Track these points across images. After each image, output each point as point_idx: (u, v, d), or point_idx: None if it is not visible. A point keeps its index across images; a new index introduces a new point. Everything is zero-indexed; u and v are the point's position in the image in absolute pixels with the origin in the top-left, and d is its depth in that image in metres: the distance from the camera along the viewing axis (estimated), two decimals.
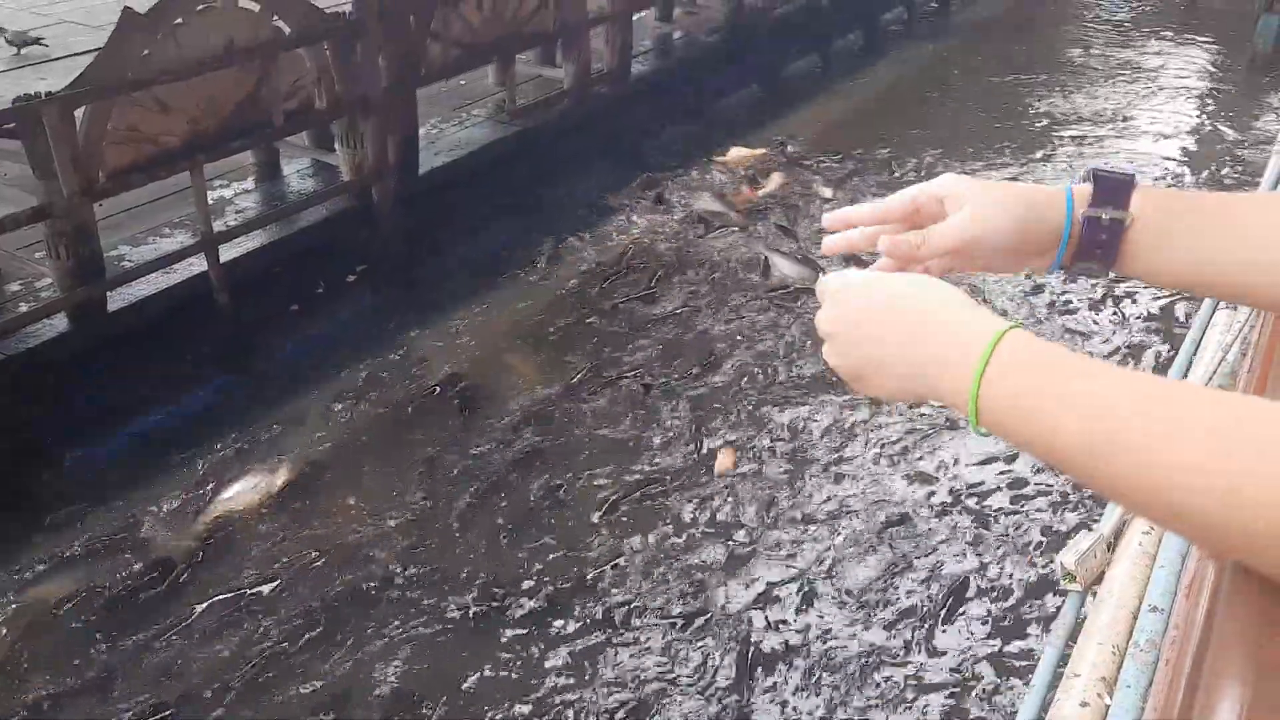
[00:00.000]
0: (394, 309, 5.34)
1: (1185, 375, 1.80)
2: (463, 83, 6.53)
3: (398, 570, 3.80)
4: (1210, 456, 0.54)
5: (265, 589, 3.71)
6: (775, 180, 6.66)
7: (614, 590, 3.72)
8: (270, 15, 4.67)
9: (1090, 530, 2.29)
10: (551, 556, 3.87)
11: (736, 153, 6.97)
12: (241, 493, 4.14)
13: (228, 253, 4.70)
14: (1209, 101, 8.72)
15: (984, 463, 4.30)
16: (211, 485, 4.19)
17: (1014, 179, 6.81)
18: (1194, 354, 1.82)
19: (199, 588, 3.74)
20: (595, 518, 4.03)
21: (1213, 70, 9.54)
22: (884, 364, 0.69)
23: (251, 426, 4.51)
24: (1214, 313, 1.97)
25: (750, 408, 4.62)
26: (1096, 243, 0.77)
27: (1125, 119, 8.20)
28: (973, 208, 0.78)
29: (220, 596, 3.69)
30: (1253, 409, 0.56)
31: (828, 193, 6.56)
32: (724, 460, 4.33)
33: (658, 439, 4.44)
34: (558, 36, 6.40)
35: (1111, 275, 0.80)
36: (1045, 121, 8.13)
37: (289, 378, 4.83)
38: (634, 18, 7.07)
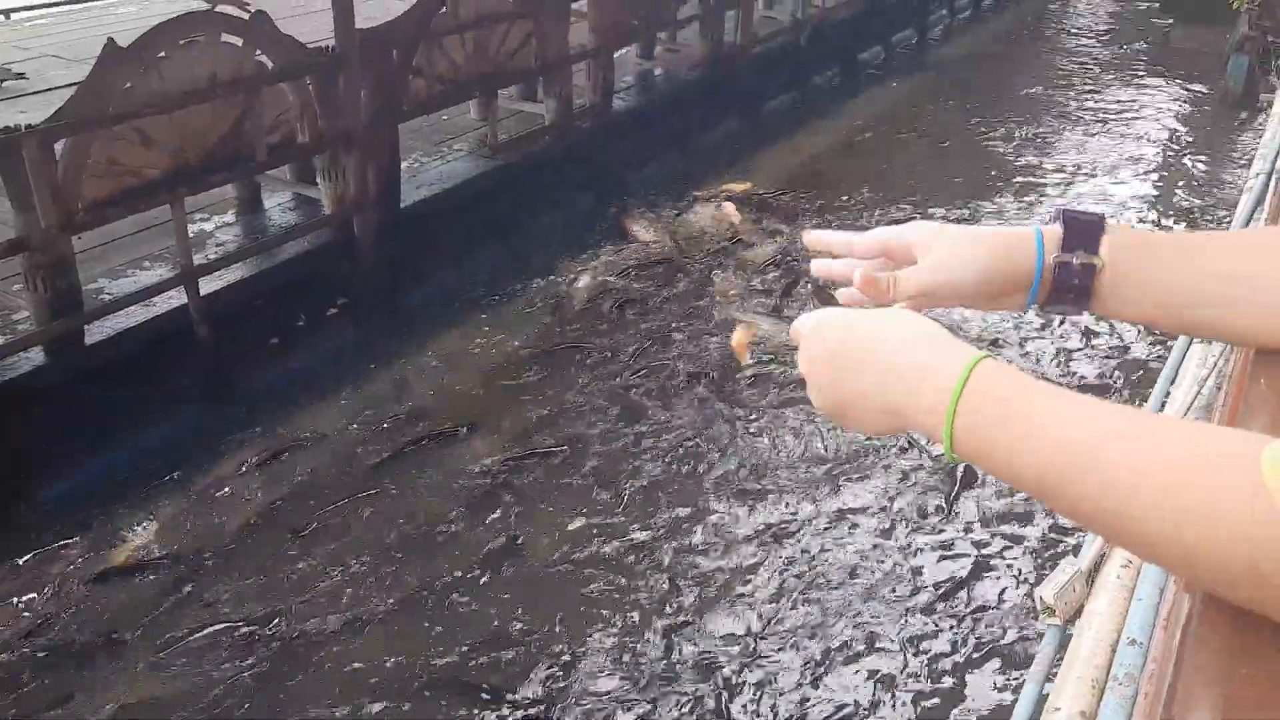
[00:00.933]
0: (375, 342, 5.33)
1: (1162, 406, 1.82)
2: (445, 117, 6.57)
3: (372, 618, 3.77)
4: (1177, 487, 0.55)
5: (243, 627, 3.67)
6: (732, 215, 6.63)
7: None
8: (253, 50, 4.69)
9: (1069, 563, 2.31)
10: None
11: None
12: (220, 526, 4.10)
13: (208, 286, 4.68)
14: (1183, 140, 8.87)
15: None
16: (188, 519, 4.15)
17: (991, 215, 6.96)
18: (1170, 385, 1.85)
19: (170, 622, 3.69)
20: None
21: (1186, 109, 9.70)
22: (862, 400, 0.70)
23: (229, 461, 4.48)
24: (1189, 345, 1.99)
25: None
26: (1069, 286, 0.78)
27: (1100, 157, 8.32)
28: (939, 255, 0.80)
29: (189, 635, 3.65)
30: (1218, 440, 0.57)
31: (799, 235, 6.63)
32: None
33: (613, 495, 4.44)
34: (540, 73, 6.46)
35: (1087, 314, 0.81)
36: (1019, 159, 8.24)
37: (268, 411, 4.80)
38: (615, 54, 7.14)
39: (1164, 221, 7.15)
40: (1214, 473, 0.55)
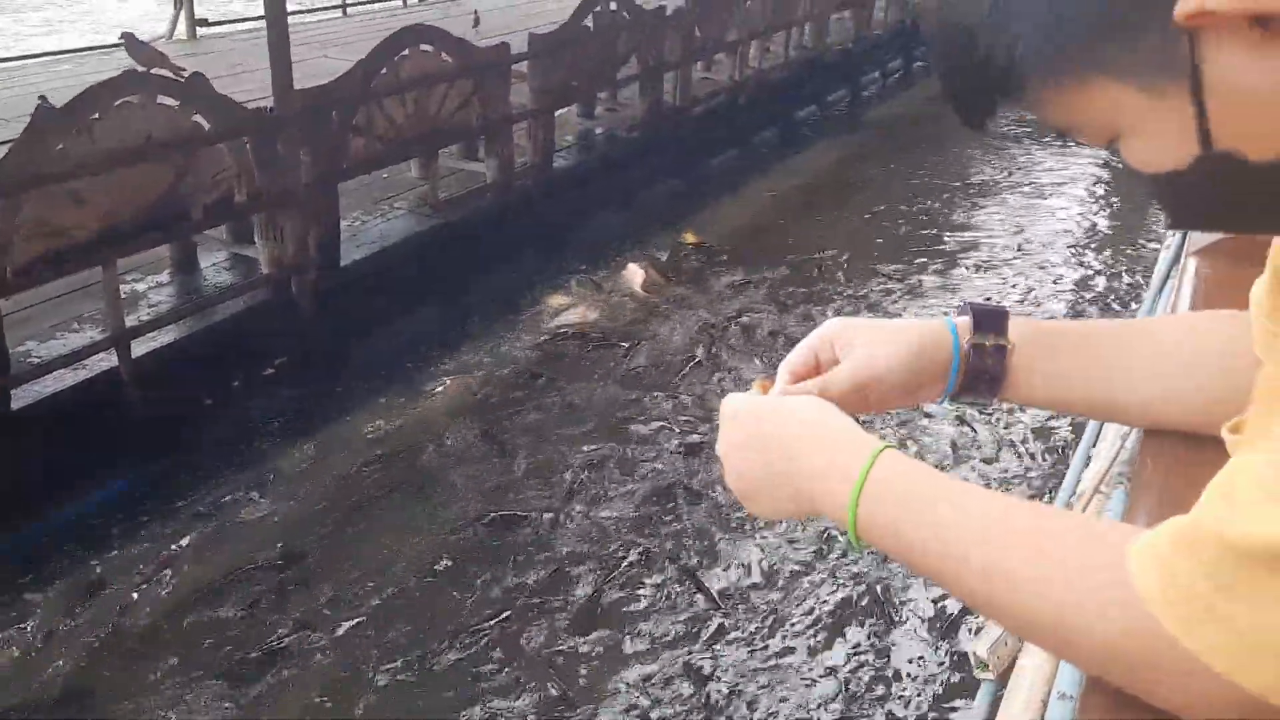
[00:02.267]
0: (311, 402, 5.27)
1: (1077, 482, 1.85)
2: (385, 176, 6.58)
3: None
4: (1052, 580, 0.58)
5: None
6: (637, 277, 6.66)
7: None
8: (190, 111, 4.67)
9: None
10: None
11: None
12: (148, 597, 3.99)
13: (140, 347, 4.61)
14: (1104, 204, 9.17)
15: None
16: (113, 589, 4.03)
17: (925, 273, 7.11)
18: (1084, 465, 1.89)
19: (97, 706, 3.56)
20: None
21: (1106, 175, 10.04)
22: (771, 483, 0.74)
23: (157, 527, 4.37)
24: (1101, 426, 2.05)
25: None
26: (983, 369, 0.82)
27: (1024, 221, 8.56)
28: (863, 349, 0.82)
29: None
30: (1090, 533, 0.61)
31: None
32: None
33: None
34: (481, 132, 6.51)
35: (997, 403, 0.85)
36: (951, 217, 8.46)
37: (198, 476, 4.70)
38: (556, 114, 7.23)
39: (1095, 280, 7.36)
40: (1085, 567, 0.58)
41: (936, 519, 0.64)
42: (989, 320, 0.82)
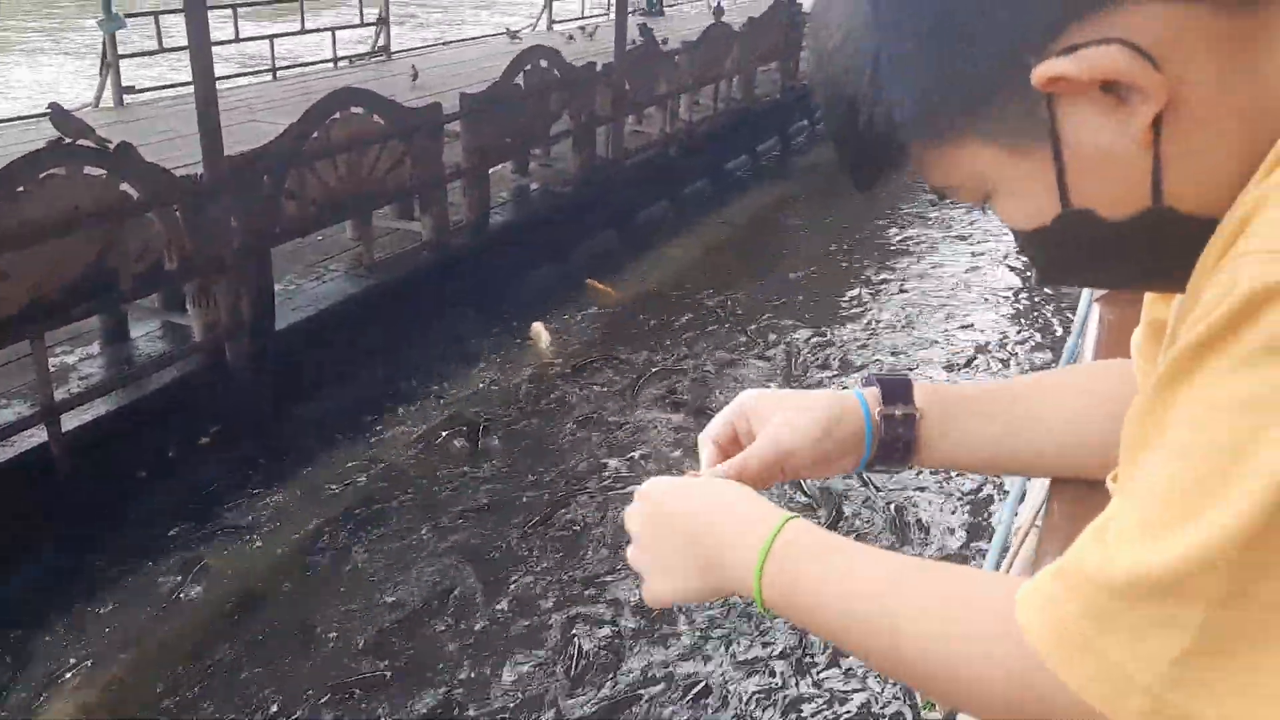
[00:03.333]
0: (248, 470, 5.19)
1: (1008, 534, 1.90)
2: (320, 238, 6.55)
3: None
4: (945, 634, 0.61)
5: None
6: (544, 338, 6.69)
7: None
8: (118, 181, 4.63)
9: None
10: None
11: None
12: (69, 686, 3.86)
13: (71, 421, 4.51)
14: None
15: None
16: (40, 675, 3.90)
17: (854, 322, 7.24)
18: (1014, 516, 1.93)
19: None
20: None
21: None
22: (680, 556, 0.75)
23: (86, 609, 4.25)
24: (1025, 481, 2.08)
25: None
26: (895, 438, 0.85)
27: (955, 255, 8.78)
28: (777, 423, 0.84)
29: None
30: (981, 584, 0.64)
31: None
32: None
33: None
34: (415, 191, 6.53)
35: (910, 468, 0.89)
36: (881, 264, 8.63)
37: (129, 552, 4.59)
38: (490, 171, 7.28)
39: (1017, 325, 7.55)
40: (975, 616, 0.60)
41: (838, 580, 0.67)
42: (895, 390, 0.86)
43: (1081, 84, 0.53)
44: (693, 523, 0.75)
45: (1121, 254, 0.60)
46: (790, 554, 0.69)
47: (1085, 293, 3.26)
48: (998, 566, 2.49)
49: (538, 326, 6.73)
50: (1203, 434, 0.47)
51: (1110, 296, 1.41)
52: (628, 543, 0.80)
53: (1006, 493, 2.75)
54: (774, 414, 0.85)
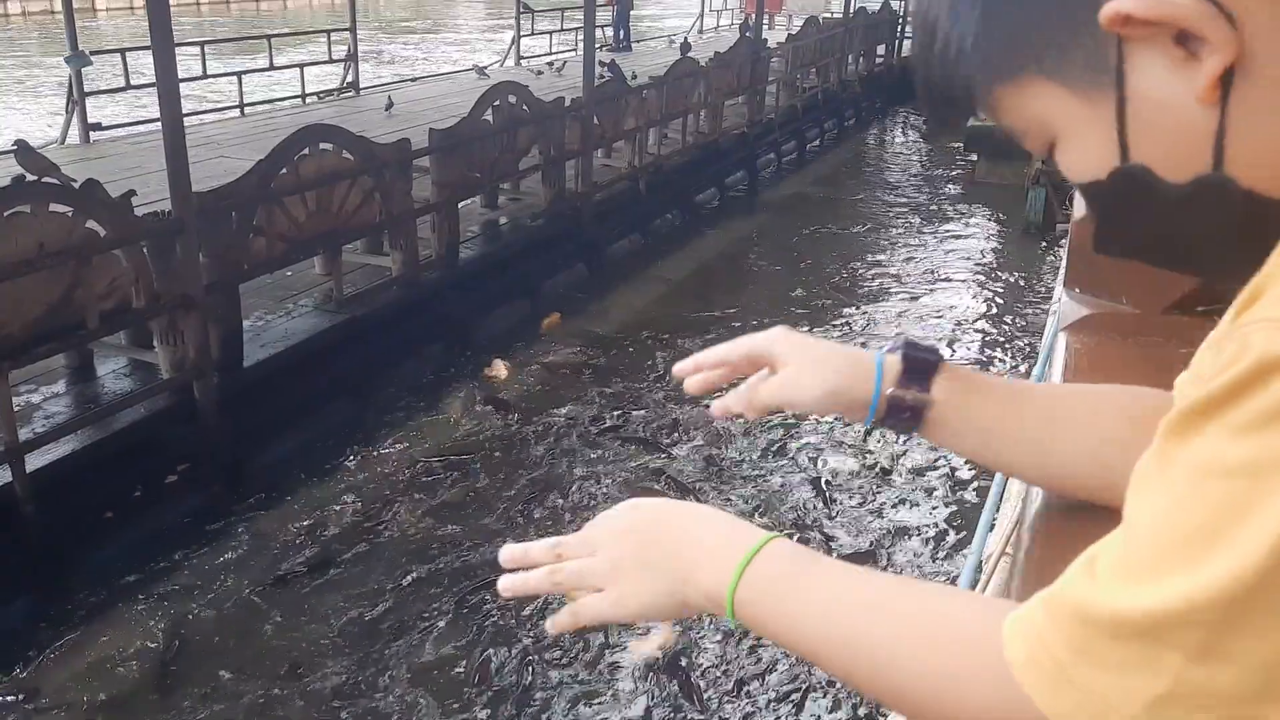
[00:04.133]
0: (216, 507, 5.13)
1: (984, 546, 1.91)
2: (289, 273, 6.53)
3: None
4: (929, 659, 0.61)
5: None
6: (503, 374, 6.71)
7: None
8: (84, 219, 4.60)
9: None
10: None
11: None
12: None
13: (35, 461, 4.44)
14: (994, 268, 9.57)
15: None
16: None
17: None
18: (989, 529, 1.94)
19: None
20: None
21: (995, 240, 10.51)
22: (650, 567, 0.74)
23: (52, 652, 4.18)
24: (1004, 489, 2.10)
25: None
26: (900, 417, 0.85)
27: (920, 289, 8.88)
28: (791, 372, 0.86)
29: None
30: (969, 609, 0.63)
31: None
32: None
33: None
34: (384, 226, 6.52)
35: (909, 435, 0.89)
36: (849, 293, 8.71)
37: (97, 592, 4.52)
38: (460, 205, 7.29)
39: (978, 347, 7.63)
40: (962, 640, 0.60)
41: (821, 598, 0.66)
42: (917, 371, 0.84)
43: (1150, 29, 0.52)
44: (666, 535, 0.74)
45: (1176, 223, 0.58)
46: (770, 568, 0.68)
47: (1051, 323, 3.31)
48: (974, 584, 2.51)
49: (498, 362, 6.74)
50: (1202, 490, 0.47)
51: (1078, 325, 1.44)
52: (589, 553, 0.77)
53: (982, 503, 2.77)
54: (790, 360, 0.86)
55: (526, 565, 0.78)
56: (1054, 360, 1.38)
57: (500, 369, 6.69)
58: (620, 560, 0.75)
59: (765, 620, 0.68)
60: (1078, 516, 0.83)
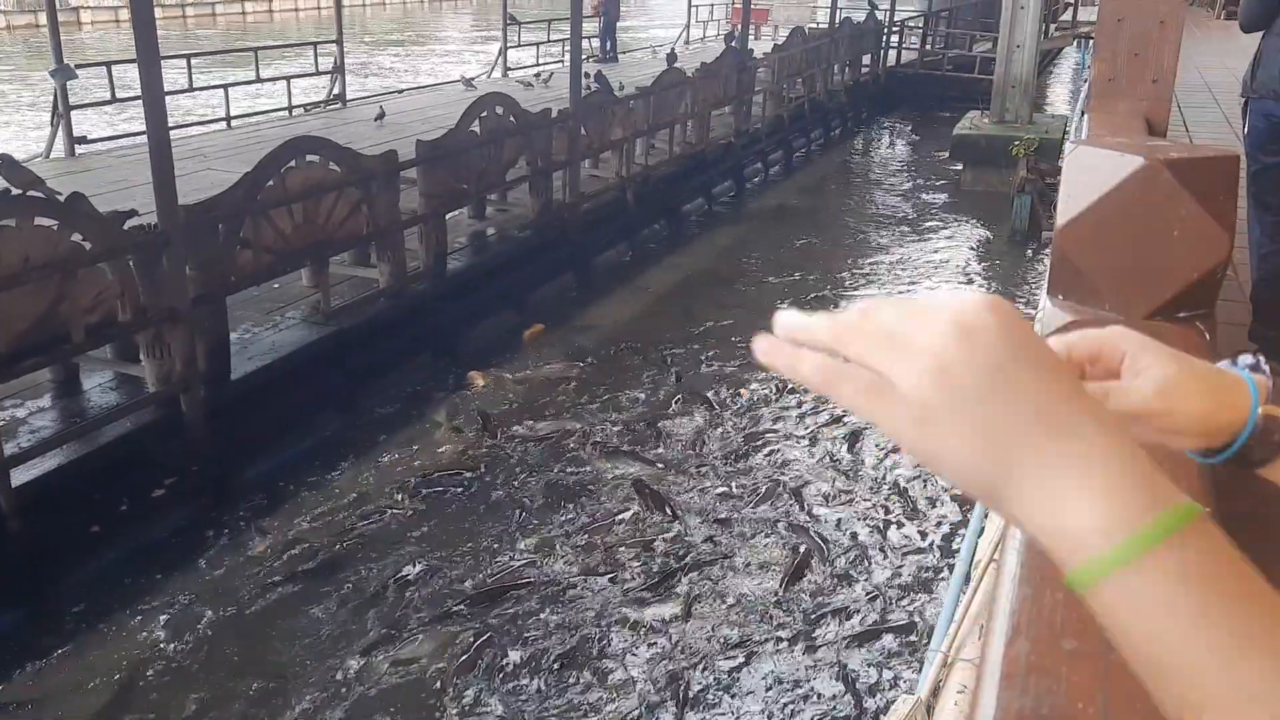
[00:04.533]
0: (204, 521, 5.10)
1: (974, 550, 1.93)
2: (276, 285, 6.51)
3: None
4: None
5: None
6: (479, 385, 6.70)
7: None
8: (69, 232, 4.58)
9: (909, 696, 2.39)
10: None
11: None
12: None
13: (21, 476, 4.42)
14: (982, 275, 9.62)
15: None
16: None
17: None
18: (979, 533, 1.96)
19: None
20: None
21: (981, 247, 10.56)
22: (1006, 432, 0.49)
23: (39, 668, 4.15)
24: None
25: None
26: (1271, 442, 0.70)
27: (914, 289, 8.91)
28: (1160, 378, 0.68)
29: None
30: None
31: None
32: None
33: None
34: (371, 238, 6.52)
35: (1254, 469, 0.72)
36: (836, 308, 8.73)
37: (83, 608, 4.49)
38: (448, 216, 7.29)
39: None
40: None
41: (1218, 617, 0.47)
42: None
43: None
44: (1047, 411, 0.48)
45: None
46: (1175, 570, 0.47)
47: (1036, 330, 3.33)
48: (958, 599, 2.53)
49: (474, 374, 6.74)
50: None
51: (1062, 332, 1.44)
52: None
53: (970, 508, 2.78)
54: (1155, 364, 0.68)
55: (805, 343, 0.53)
56: None
57: (478, 380, 6.68)
58: (954, 387, 0.49)
59: (1135, 616, 0.48)
60: None
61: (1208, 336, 1.72)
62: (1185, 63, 7.29)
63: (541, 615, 4.46)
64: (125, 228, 4.87)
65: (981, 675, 0.59)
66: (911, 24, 20.57)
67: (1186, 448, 0.71)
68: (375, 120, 10.78)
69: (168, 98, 5.17)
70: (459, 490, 5.50)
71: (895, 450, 5.68)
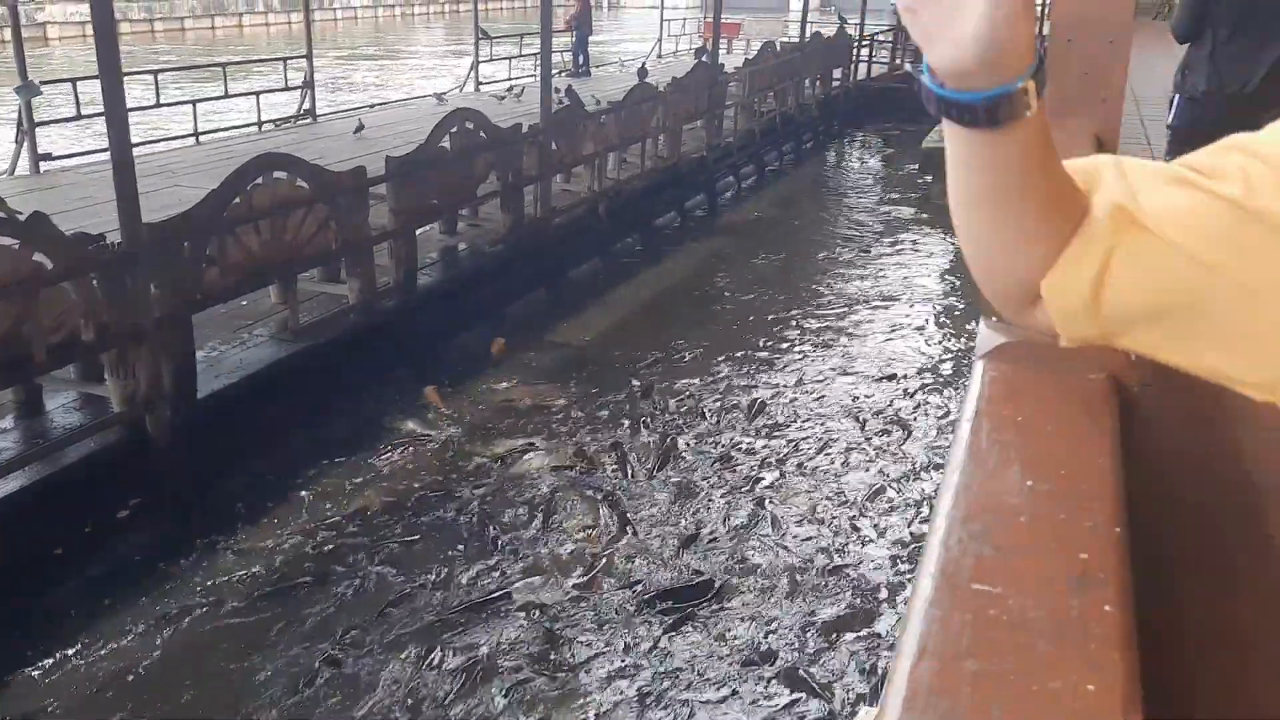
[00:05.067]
0: (170, 541, 5.05)
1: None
2: (244, 303, 6.47)
3: None
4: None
5: None
6: (434, 398, 6.69)
7: None
8: (30, 251, 4.54)
9: (871, 707, 2.40)
10: None
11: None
12: None
13: None
14: (948, 290, 9.68)
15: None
16: None
17: (788, 369, 7.32)
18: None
19: None
20: None
21: (949, 259, 10.63)
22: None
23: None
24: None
25: None
26: (1020, 103, 0.69)
27: (874, 309, 8.95)
28: None
29: None
30: None
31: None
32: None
33: None
34: (340, 254, 6.49)
35: None
36: (810, 313, 8.76)
37: (41, 635, 4.42)
38: (418, 232, 7.27)
39: (931, 365, 7.71)
40: None
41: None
42: None
43: None
44: None
45: None
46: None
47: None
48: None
49: (429, 390, 6.71)
50: None
51: (994, 354, 1.46)
52: None
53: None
54: None
55: None
56: (970, 387, 1.39)
57: (433, 397, 6.65)
58: None
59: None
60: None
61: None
62: (1148, 74, 7.40)
63: (506, 634, 4.44)
64: (89, 247, 4.82)
65: (886, 696, 0.60)
66: (881, 38, 20.74)
67: (956, 60, 0.67)
68: (355, 132, 10.80)
69: (135, 114, 5.15)
70: (426, 510, 5.46)
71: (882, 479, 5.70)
